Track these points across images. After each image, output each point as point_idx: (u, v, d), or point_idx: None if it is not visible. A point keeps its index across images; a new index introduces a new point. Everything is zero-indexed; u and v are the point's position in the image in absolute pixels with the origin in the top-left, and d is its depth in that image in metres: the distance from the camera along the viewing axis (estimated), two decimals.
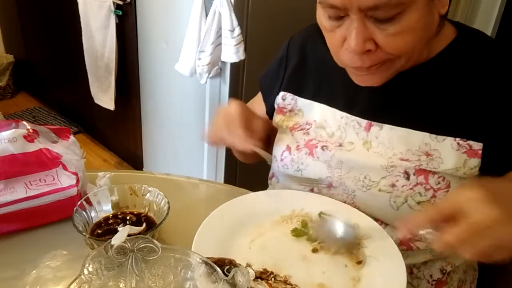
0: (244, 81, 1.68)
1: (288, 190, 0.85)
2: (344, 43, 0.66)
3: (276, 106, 0.91)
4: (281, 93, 0.90)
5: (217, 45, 1.55)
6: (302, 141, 0.84)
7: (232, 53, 1.52)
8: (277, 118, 0.90)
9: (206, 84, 1.70)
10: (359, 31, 0.63)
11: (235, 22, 1.49)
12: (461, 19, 2.47)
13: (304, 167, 0.83)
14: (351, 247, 0.69)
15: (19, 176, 0.72)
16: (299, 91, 0.88)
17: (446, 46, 0.75)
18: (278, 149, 0.88)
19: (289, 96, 0.89)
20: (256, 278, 0.62)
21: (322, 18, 0.69)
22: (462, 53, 0.74)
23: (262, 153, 0.80)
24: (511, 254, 0.55)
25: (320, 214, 0.75)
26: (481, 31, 0.79)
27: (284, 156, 0.86)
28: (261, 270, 0.64)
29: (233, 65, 1.61)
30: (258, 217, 0.74)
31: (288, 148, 0.86)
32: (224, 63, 1.63)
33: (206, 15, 1.55)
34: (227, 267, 0.52)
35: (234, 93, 1.69)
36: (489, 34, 2.07)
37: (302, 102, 0.87)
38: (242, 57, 1.54)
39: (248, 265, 0.64)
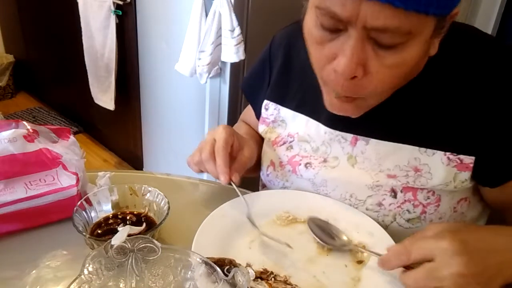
0: None
1: (288, 190, 0.84)
2: (333, 61, 0.58)
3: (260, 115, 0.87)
4: (264, 102, 0.85)
5: (217, 45, 1.55)
6: (285, 158, 0.81)
7: (232, 53, 1.52)
8: (261, 128, 0.86)
9: (206, 84, 1.70)
10: (355, 51, 0.54)
11: (235, 22, 1.49)
12: (461, 19, 2.47)
13: (290, 184, 0.82)
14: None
15: (19, 176, 0.72)
16: (282, 100, 0.83)
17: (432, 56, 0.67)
18: (264, 162, 0.86)
19: (272, 105, 0.84)
20: (256, 278, 0.62)
21: (313, 27, 0.59)
22: (450, 60, 0.68)
23: (238, 191, 0.74)
24: None
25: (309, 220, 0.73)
26: (471, 25, 0.72)
27: (269, 172, 0.84)
28: (261, 270, 0.64)
29: (233, 65, 1.61)
30: (258, 217, 0.74)
31: (272, 164, 0.84)
32: (224, 63, 1.63)
33: (206, 15, 1.55)
34: (227, 267, 0.52)
35: (234, 93, 1.69)
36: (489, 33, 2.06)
37: (285, 112, 0.82)
38: (242, 57, 1.54)
39: (248, 265, 0.64)
